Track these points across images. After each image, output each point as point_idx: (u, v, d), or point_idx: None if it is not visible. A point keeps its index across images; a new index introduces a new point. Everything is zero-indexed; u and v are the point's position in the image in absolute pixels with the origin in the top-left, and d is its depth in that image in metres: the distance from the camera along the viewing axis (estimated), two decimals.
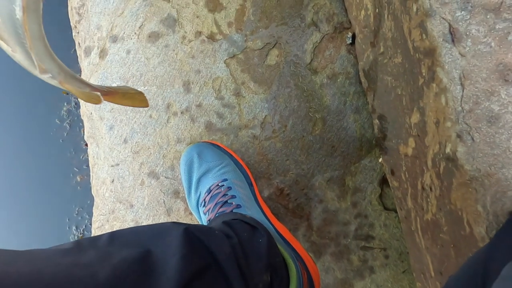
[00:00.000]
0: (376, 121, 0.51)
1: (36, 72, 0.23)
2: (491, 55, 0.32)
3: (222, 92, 0.57)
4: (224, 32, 0.57)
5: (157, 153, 0.58)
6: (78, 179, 1.10)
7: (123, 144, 0.59)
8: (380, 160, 0.54)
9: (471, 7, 0.32)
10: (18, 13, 0.19)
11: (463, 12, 0.33)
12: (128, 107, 0.58)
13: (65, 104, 1.11)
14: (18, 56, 0.21)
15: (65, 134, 1.09)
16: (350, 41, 0.54)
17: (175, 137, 0.58)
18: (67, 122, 1.08)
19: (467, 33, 0.33)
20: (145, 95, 0.31)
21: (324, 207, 0.55)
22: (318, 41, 0.55)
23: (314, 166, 0.55)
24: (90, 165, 0.63)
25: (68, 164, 1.10)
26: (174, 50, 0.57)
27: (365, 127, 0.55)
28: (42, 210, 1.08)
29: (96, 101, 0.27)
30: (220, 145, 0.54)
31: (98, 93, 0.27)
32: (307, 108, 0.55)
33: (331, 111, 0.55)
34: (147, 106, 0.32)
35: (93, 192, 0.62)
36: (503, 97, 0.32)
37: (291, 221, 0.56)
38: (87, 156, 0.70)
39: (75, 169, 1.11)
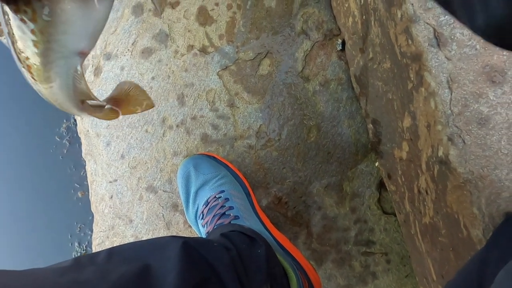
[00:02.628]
0: (370, 126, 0.52)
1: (72, 109, 0.25)
2: (477, 57, 0.32)
3: (216, 103, 0.57)
4: (216, 44, 0.58)
5: (154, 167, 0.58)
6: (79, 195, 1.10)
7: (120, 160, 0.59)
8: (377, 164, 0.54)
9: None
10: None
11: (446, 16, 0.33)
12: (125, 121, 0.59)
13: (65, 121, 1.12)
14: (55, 93, 0.23)
15: (65, 151, 1.09)
16: (340, 48, 0.55)
17: (171, 150, 0.58)
18: (66, 139, 1.09)
19: (452, 37, 0.33)
20: (146, 92, 0.31)
21: (323, 214, 0.55)
22: (309, 49, 0.56)
23: (311, 173, 0.55)
24: (88, 182, 0.63)
25: (68, 181, 1.10)
26: (167, 65, 0.58)
27: (360, 132, 0.55)
28: (44, 227, 1.08)
29: (116, 116, 0.28)
30: (217, 156, 0.54)
31: (117, 109, 0.28)
32: (301, 116, 0.55)
33: (325, 117, 0.55)
34: (153, 106, 0.32)
35: (93, 209, 0.62)
36: (491, 98, 0.32)
37: (291, 229, 0.56)
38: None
39: (76, 185, 1.11)
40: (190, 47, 0.58)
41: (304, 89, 0.56)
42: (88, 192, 0.76)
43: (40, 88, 0.22)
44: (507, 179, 0.32)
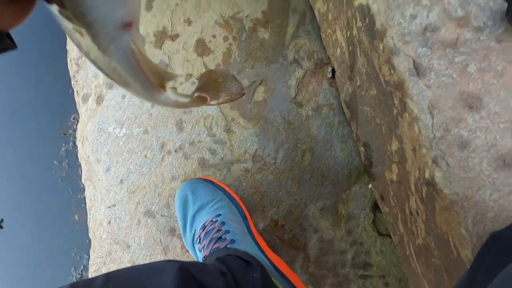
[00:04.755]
0: (362, 149, 0.53)
1: (155, 96, 0.22)
2: (454, 85, 0.35)
3: (213, 129, 0.59)
4: None
5: (153, 192, 0.59)
6: (76, 217, 1.10)
7: (120, 185, 0.60)
8: (370, 186, 0.56)
9: (431, 44, 0.36)
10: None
11: (424, 48, 0.36)
12: (125, 147, 0.60)
13: (63, 144, 1.13)
14: (135, 87, 0.21)
15: (64, 174, 1.10)
16: (331, 75, 0.58)
17: (169, 175, 0.59)
18: (65, 162, 1.10)
19: (430, 67, 0.36)
20: (235, 76, 0.28)
21: (320, 237, 0.55)
22: (301, 77, 0.59)
23: (306, 196, 0.56)
24: (87, 207, 0.64)
25: (66, 204, 1.10)
26: None
27: (352, 155, 0.56)
28: (40, 250, 1.07)
29: (204, 102, 0.26)
30: (214, 180, 0.55)
31: (205, 95, 0.26)
32: (295, 140, 0.57)
33: (318, 141, 0.57)
34: (243, 93, 0.28)
35: (90, 235, 0.62)
36: (470, 123, 0.34)
37: (288, 253, 0.56)
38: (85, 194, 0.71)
39: (73, 208, 1.11)
40: (189, 75, 0.61)
41: (297, 114, 0.58)
42: (86, 216, 0.77)
43: (118, 83, 0.20)
44: (490, 200, 0.33)
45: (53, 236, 1.07)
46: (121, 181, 0.60)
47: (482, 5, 0.34)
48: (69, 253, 1.07)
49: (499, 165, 0.33)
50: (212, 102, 0.27)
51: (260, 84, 0.60)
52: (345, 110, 0.56)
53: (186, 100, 0.25)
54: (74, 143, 1.12)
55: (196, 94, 0.26)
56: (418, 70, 0.36)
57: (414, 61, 0.36)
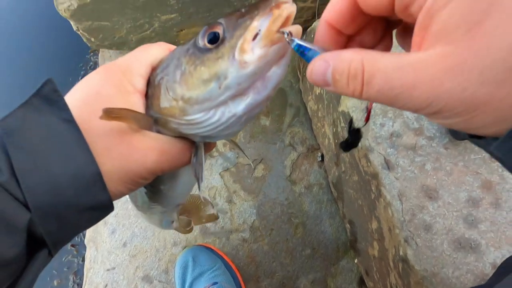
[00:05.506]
0: (348, 226, 0.61)
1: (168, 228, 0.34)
2: (416, 179, 0.45)
3: (216, 199, 0.66)
4: (220, 150, 0.71)
5: (154, 256, 0.62)
6: (55, 283, 1.05)
7: (122, 248, 0.64)
8: (356, 261, 0.61)
9: (396, 146, 0.47)
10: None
11: (392, 149, 0.47)
12: (132, 211, 0.65)
13: None
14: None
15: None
16: (320, 159, 0.69)
17: (172, 240, 0.63)
18: None
19: (397, 163, 0.46)
20: (211, 205, 0.40)
21: None
22: (295, 159, 0.69)
23: (298, 267, 0.61)
24: (85, 269, 0.65)
25: (47, 268, 1.06)
26: None
27: (339, 231, 0.63)
28: None
29: (190, 230, 0.37)
30: (214, 248, 0.60)
31: (190, 220, 0.37)
32: (289, 214, 0.64)
33: (309, 216, 0.64)
34: (216, 218, 0.40)
35: None
36: (431, 210, 0.43)
37: None
38: (69, 257, 0.73)
39: (54, 272, 1.07)
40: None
41: (291, 190, 0.66)
42: (66, 279, 0.77)
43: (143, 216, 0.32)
44: (453, 277, 0.39)
45: None
46: (124, 244, 0.64)
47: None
48: None
49: (456, 246, 0.41)
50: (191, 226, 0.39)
51: (260, 162, 0.69)
52: (333, 190, 0.65)
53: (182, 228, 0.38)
54: None
55: (183, 217, 0.38)
56: (388, 165, 0.46)
57: (385, 158, 0.47)
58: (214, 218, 0.38)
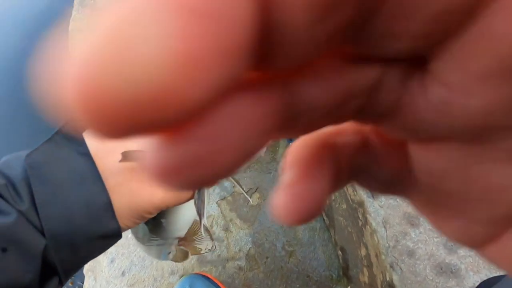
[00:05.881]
0: (339, 253, 0.63)
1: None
2: (398, 207, 0.48)
3: (213, 227, 0.69)
4: None
5: (151, 286, 0.64)
6: None
7: (121, 277, 0.65)
8: None
9: None
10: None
11: None
12: (132, 240, 0.67)
13: None
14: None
15: None
16: None
17: (169, 269, 0.65)
18: None
19: None
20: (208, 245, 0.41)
21: None
22: None
23: None
24: None
25: None
26: None
27: (332, 258, 0.65)
28: None
29: (186, 258, 0.39)
30: (210, 277, 0.61)
31: (188, 252, 0.39)
32: (283, 242, 0.67)
33: (303, 244, 0.66)
34: (213, 249, 0.42)
35: None
36: (413, 236, 0.46)
37: None
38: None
39: None
40: None
41: None
42: None
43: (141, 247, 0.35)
44: None
45: None
46: (123, 273, 0.65)
47: None
48: None
49: (438, 271, 0.43)
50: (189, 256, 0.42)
51: (255, 191, 0.73)
52: (325, 217, 0.68)
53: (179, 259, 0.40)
54: None
55: (180, 247, 0.39)
56: (372, 194, 0.50)
57: None
58: (209, 250, 0.40)
